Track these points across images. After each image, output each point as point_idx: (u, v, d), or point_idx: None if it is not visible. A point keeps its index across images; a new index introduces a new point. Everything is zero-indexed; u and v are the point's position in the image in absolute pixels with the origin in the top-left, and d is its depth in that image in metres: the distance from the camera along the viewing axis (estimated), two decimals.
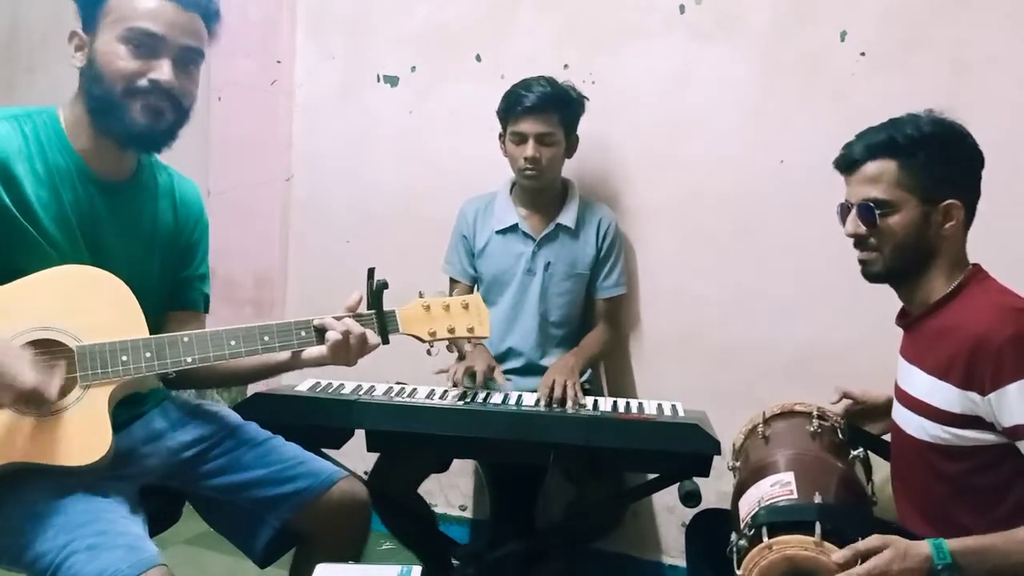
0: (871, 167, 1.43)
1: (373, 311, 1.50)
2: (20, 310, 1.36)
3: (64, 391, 1.33)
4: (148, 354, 1.39)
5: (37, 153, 1.41)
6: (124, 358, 1.38)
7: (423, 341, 1.54)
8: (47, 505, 1.33)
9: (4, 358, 1.25)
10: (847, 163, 1.47)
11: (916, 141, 1.41)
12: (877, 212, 1.42)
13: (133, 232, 1.52)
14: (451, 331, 1.53)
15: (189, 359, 1.41)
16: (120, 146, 1.48)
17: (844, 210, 1.49)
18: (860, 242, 1.47)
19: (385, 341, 1.51)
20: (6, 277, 1.36)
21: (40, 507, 1.33)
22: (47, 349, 1.36)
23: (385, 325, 1.51)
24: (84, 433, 1.35)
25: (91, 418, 1.36)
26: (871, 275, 1.49)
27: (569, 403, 1.94)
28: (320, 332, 1.47)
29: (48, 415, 1.33)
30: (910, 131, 1.42)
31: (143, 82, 1.40)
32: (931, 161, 1.41)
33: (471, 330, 1.54)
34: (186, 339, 1.42)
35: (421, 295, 1.55)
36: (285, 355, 1.52)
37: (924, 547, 1.25)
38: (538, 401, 1.94)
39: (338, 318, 1.48)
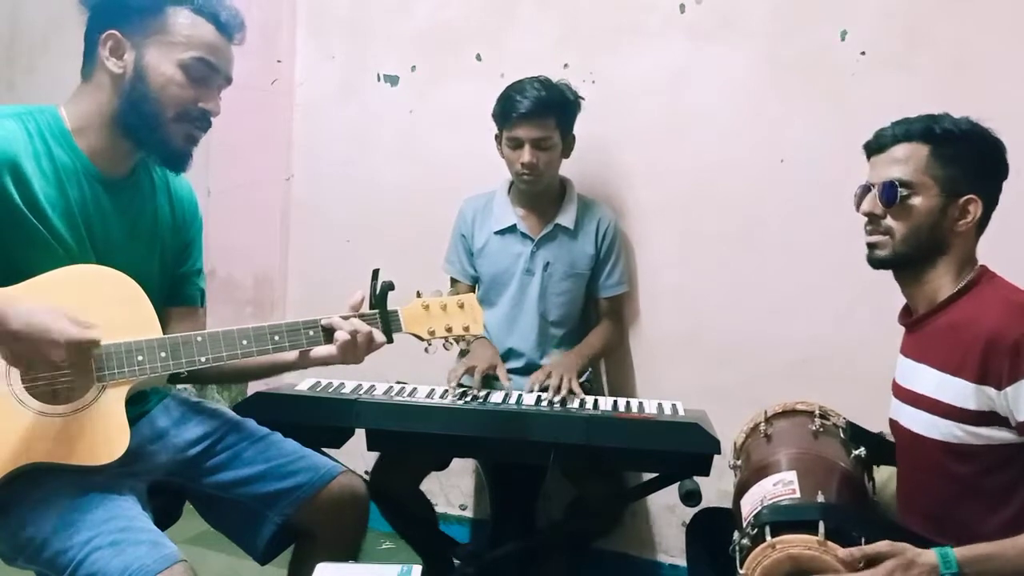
0: (902, 148, 1.44)
1: (377, 311, 1.53)
2: None
3: (82, 391, 1.35)
4: (163, 354, 1.41)
5: (43, 151, 1.40)
6: (140, 358, 1.39)
7: (422, 340, 1.56)
8: (67, 502, 1.34)
9: (40, 315, 1.25)
10: (878, 144, 1.48)
11: (952, 133, 1.43)
12: (900, 192, 1.42)
13: (135, 229, 1.53)
14: (448, 330, 1.56)
15: (203, 359, 1.43)
16: (156, 162, 1.54)
17: (864, 191, 1.49)
18: (873, 221, 1.47)
19: (389, 340, 1.54)
20: (14, 275, 1.36)
21: (60, 504, 1.34)
22: None
23: (389, 324, 1.53)
24: (104, 432, 1.36)
25: (109, 417, 1.37)
26: (877, 259, 1.48)
27: (563, 394, 1.95)
28: (328, 332, 1.49)
29: (78, 410, 1.34)
30: (948, 124, 1.44)
31: (194, 110, 1.45)
32: (961, 155, 1.42)
33: (467, 328, 1.57)
34: (200, 339, 1.43)
35: (419, 295, 1.57)
36: (294, 354, 1.54)
37: (931, 556, 1.24)
38: (539, 400, 1.94)
39: (344, 318, 1.50)
